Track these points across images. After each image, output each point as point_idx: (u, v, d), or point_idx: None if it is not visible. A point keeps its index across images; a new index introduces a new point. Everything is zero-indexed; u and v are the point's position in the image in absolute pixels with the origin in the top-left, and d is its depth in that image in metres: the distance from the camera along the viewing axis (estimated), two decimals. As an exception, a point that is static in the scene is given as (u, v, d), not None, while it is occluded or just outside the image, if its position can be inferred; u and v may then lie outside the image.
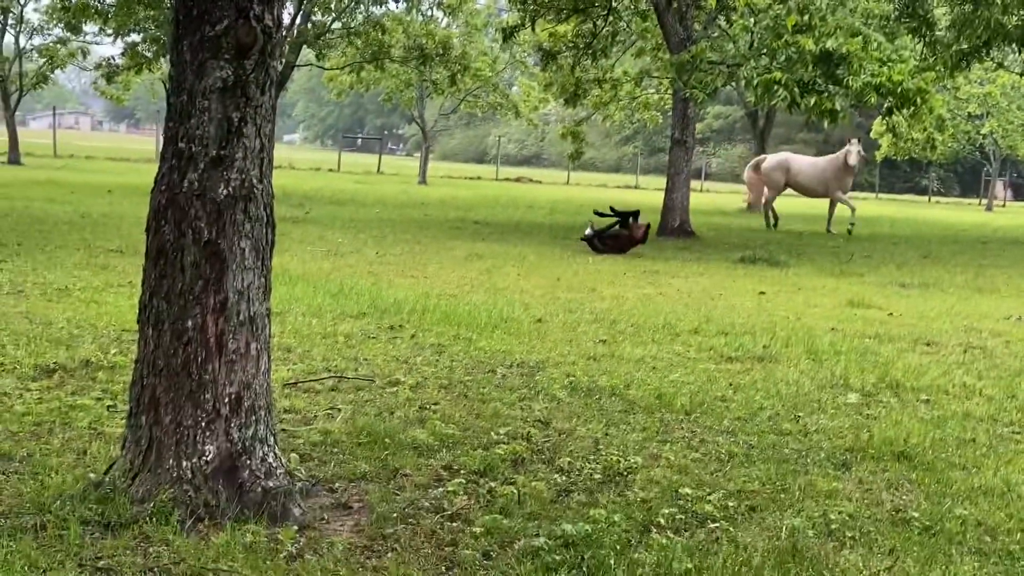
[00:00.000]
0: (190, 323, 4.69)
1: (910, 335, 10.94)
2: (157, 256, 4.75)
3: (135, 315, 5.00)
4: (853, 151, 28.17)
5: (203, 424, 4.72)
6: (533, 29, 28.92)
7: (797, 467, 6.04)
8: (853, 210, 28.95)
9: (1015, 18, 24.20)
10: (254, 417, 4.86)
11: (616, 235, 19.32)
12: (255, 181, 4.79)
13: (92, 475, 5.13)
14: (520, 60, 48.99)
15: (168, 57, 5.10)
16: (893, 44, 22.07)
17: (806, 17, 20.42)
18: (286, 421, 6.41)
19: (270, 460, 4.90)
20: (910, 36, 26.27)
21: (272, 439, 4.99)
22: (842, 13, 22.02)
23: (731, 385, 8.10)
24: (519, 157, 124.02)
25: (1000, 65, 39.56)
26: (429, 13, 35.85)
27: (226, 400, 4.75)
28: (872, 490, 5.72)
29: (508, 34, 28.67)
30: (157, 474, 4.72)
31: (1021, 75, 38.14)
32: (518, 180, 66.22)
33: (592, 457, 6.04)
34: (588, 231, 19.48)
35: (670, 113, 27.43)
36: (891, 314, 12.60)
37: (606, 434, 6.56)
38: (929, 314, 12.77)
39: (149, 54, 32.36)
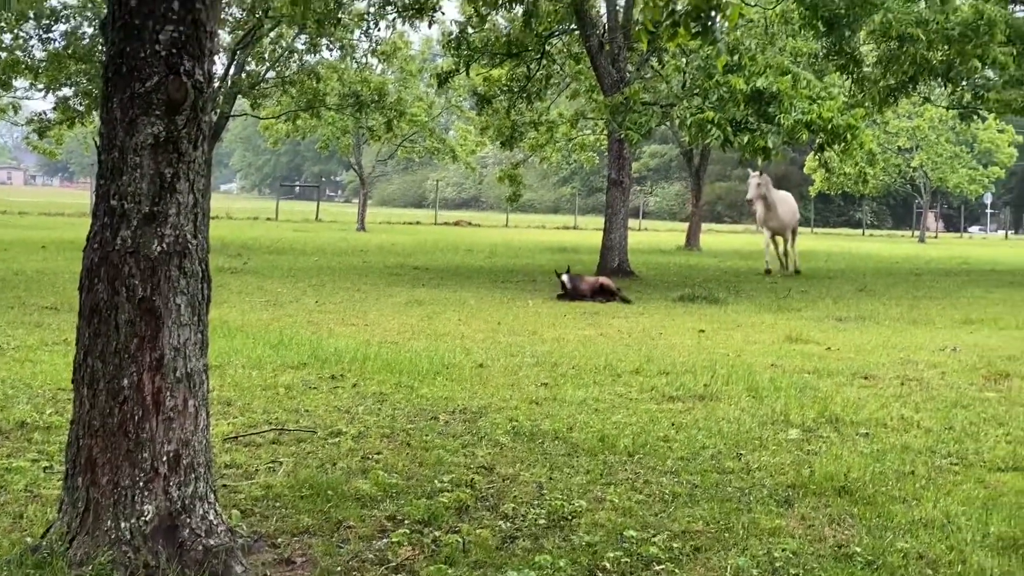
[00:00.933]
0: (126, 382, 4.65)
1: (848, 369, 11.04)
2: (91, 315, 4.70)
3: (71, 374, 4.94)
4: (749, 184, 27.11)
5: (141, 484, 4.66)
6: (467, 74, 29.07)
7: (740, 505, 6.07)
8: (771, 261, 27.74)
9: (939, 53, 24.66)
10: (193, 475, 4.81)
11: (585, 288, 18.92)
12: (189, 236, 4.76)
13: (29, 539, 5.05)
14: (456, 105, 49.19)
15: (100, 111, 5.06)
16: (822, 81, 22.45)
17: (736, 57, 20.71)
18: (227, 476, 6.35)
19: (211, 517, 4.85)
20: (838, 73, 26.71)
21: (212, 496, 4.94)
22: (771, 52, 22.36)
23: (673, 425, 8.13)
24: (457, 200, 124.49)
25: (927, 99, 40.27)
26: (364, 60, 35.86)
27: (164, 459, 4.70)
28: (815, 526, 5.75)
29: (443, 79, 28.82)
30: (95, 536, 4.65)
31: (947, 109, 38.78)
32: (457, 224, 66.33)
33: (536, 502, 6.04)
34: (566, 278, 18.96)
35: (606, 153, 27.60)
36: (829, 348, 12.72)
37: (550, 478, 6.55)
38: (866, 347, 12.90)
39: (81, 108, 32.10)
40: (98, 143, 4.82)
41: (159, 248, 4.66)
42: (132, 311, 4.64)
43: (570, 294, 18.60)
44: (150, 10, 4.63)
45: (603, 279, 19.72)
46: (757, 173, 27.11)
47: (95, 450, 4.68)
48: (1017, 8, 29.64)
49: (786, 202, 27.91)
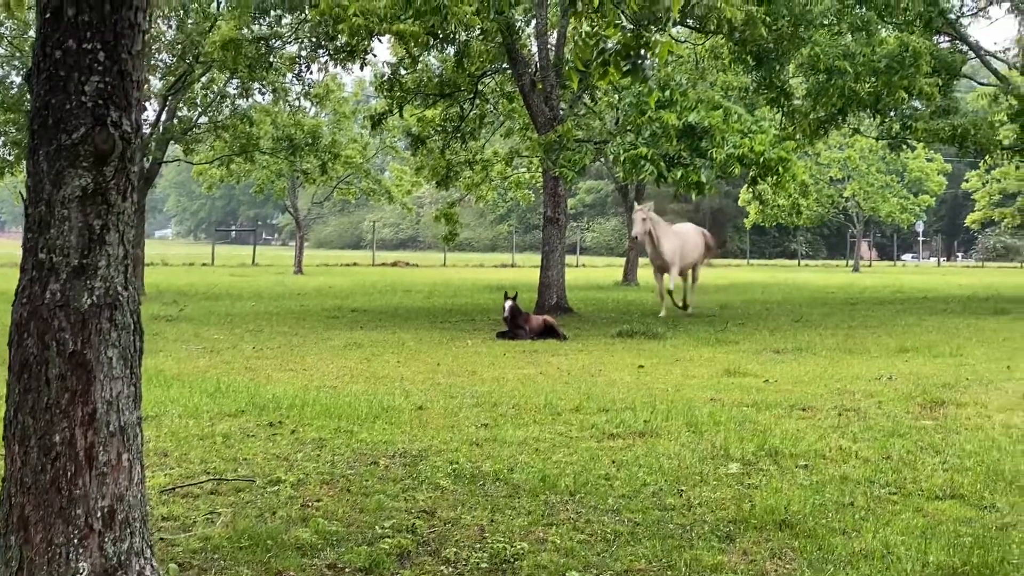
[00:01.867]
0: (58, 437, 4.57)
1: (786, 401, 11.12)
2: (20, 370, 4.63)
3: (2, 430, 4.85)
4: (635, 219, 24.00)
5: (75, 541, 4.58)
6: (401, 115, 29.10)
7: (682, 542, 6.07)
8: (665, 298, 24.87)
9: (867, 85, 25.10)
10: (129, 530, 4.73)
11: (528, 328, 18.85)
12: (120, 288, 4.71)
13: (-39, 601, 4.95)
14: (390, 145, 49.21)
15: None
16: (753, 115, 22.69)
17: (667, 92, 20.90)
18: (164, 529, 6.26)
19: (147, 573, 4.77)
20: (769, 107, 27.07)
21: (149, 551, 4.86)
22: (702, 87, 22.61)
23: (614, 462, 8.13)
24: (395, 241, 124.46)
25: (856, 131, 40.88)
26: (296, 103, 35.76)
27: (99, 514, 4.62)
28: (756, 561, 5.76)
29: (377, 121, 28.83)
30: (29, 596, 4.56)
31: (877, 139, 39.40)
32: (395, 264, 66.22)
33: (478, 545, 6.00)
34: (508, 304, 18.84)
35: (542, 191, 27.71)
36: (767, 381, 12.81)
37: (492, 520, 6.53)
38: (804, 379, 13.01)
39: (10, 158, 31.79)
40: (25, 195, 4.76)
41: (89, 301, 4.60)
42: (63, 365, 4.57)
43: (511, 333, 18.56)
44: (75, 61, 4.59)
45: (547, 317, 19.72)
46: (643, 207, 24.14)
47: (28, 508, 4.60)
48: (941, 39, 30.27)
49: (675, 237, 24.72)
